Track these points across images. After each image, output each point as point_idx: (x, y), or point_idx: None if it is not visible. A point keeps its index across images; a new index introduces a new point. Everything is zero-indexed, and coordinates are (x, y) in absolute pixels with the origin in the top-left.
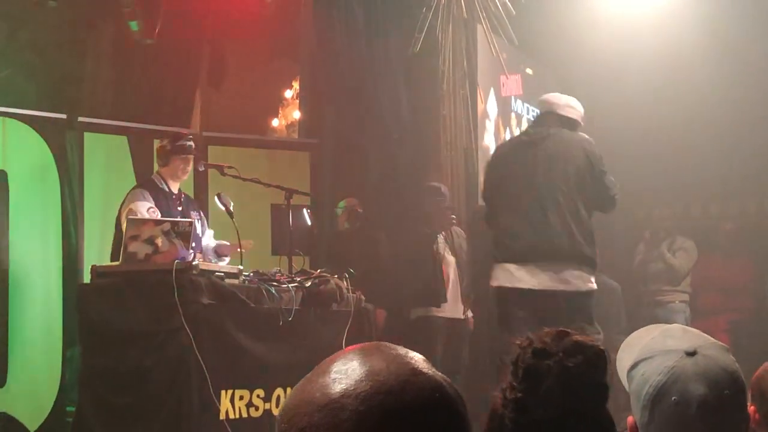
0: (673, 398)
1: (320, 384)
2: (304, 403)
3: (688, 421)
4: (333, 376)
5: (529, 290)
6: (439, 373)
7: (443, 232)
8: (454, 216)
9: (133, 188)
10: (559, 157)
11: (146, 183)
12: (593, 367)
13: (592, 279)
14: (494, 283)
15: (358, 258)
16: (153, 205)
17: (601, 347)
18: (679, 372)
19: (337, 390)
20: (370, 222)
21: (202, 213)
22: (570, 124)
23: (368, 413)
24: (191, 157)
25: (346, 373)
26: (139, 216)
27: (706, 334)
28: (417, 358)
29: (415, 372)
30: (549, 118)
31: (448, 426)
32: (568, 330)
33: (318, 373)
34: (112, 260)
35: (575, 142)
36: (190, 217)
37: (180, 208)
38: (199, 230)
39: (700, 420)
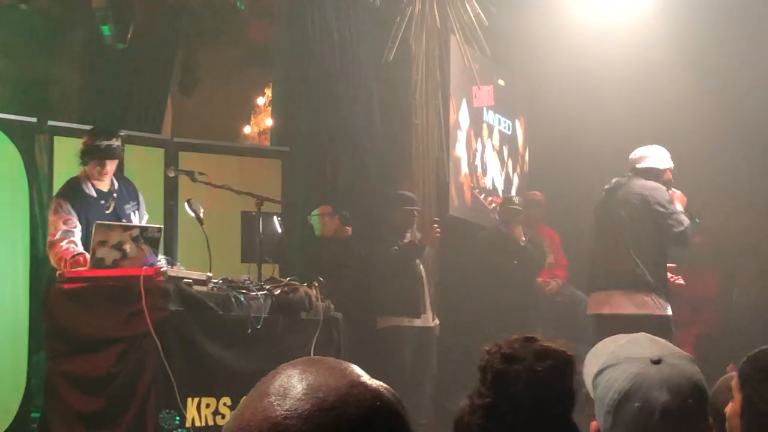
0: (636, 404)
1: (260, 408)
2: (244, 429)
3: (650, 427)
4: (272, 398)
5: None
6: (376, 380)
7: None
8: (437, 227)
9: (55, 197)
10: (621, 203)
11: (67, 188)
12: (561, 372)
13: (664, 305)
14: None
15: (334, 266)
16: (70, 216)
17: (569, 353)
18: (643, 379)
19: (279, 412)
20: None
21: (141, 198)
22: (647, 173)
23: None
24: (108, 161)
25: (284, 393)
26: (54, 231)
27: (671, 344)
28: (352, 368)
29: (353, 384)
30: (629, 169)
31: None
32: (535, 336)
33: (255, 396)
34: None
35: (637, 187)
36: (125, 212)
37: (108, 211)
38: (135, 220)
39: (662, 427)
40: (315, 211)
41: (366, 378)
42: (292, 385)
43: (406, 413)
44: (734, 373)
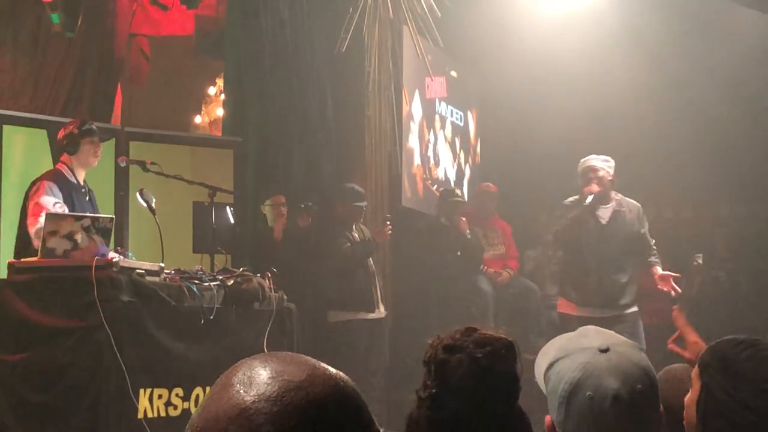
0: (587, 393)
1: (226, 397)
2: (213, 420)
3: (602, 415)
4: (237, 387)
5: None
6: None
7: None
8: (389, 224)
9: (40, 180)
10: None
11: (53, 174)
12: (503, 358)
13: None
14: None
15: (282, 257)
16: (60, 201)
17: (510, 339)
18: (592, 368)
19: (247, 398)
20: (291, 222)
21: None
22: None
23: (283, 412)
24: (99, 141)
25: (250, 381)
26: (44, 210)
27: (618, 334)
28: (308, 357)
29: (315, 367)
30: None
31: (357, 412)
32: (476, 327)
33: (218, 389)
34: (16, 253)
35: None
36: (97, 209)
37: (88, 199)
38: None
39: (614, 414)
40: (267, 201)
41: (323, 364)
42: (256, 373)
43: (363, 400)
44: (681, 364)
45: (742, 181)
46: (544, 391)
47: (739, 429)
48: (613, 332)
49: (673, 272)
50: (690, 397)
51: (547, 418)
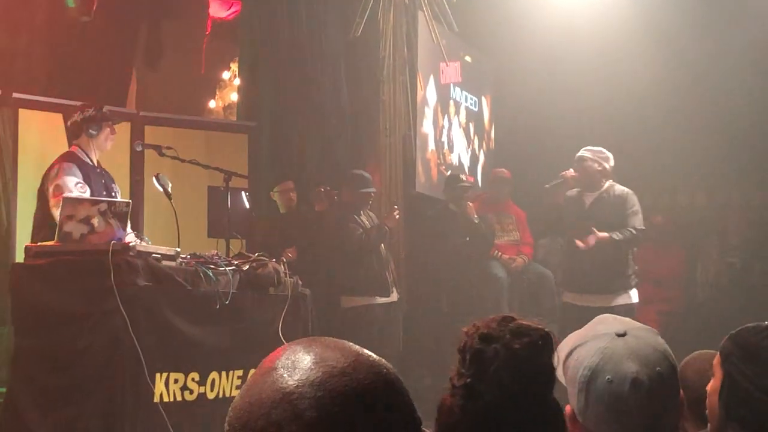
0: (607, 377)
1: (269, 381)
2: (256, 404)
3: (622, 398)
4: (281, 371)
5: None
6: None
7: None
8: (397, 208)
9: (59, 162)
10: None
11: (69, 156)
12: (539, 349)
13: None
14: None
15: (295, 243)
16: (81, 180)
17: (547, 329)
18: (611, 352)
19: (291, 382)
20: (307, 206)
21: (117, 186)
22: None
23: (327, 398)
24: (113, 126)
25: (293, 365)
26: (68, 192)
27: (635, 321)
28: (352, 344)
29: (359, 353)
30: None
31: (400, 398)
32: (513, 315)
33: (262, 372)
34: (33, 236)
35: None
36: (112, 190)
37: (103, 181)
38: None
39: (635, 397)
40: (276, 188)
41: (367, 351)
42: (299, 358)
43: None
44: (707, 351)
45: (757, 167)
46: (563, 381)
47: (763, 417)
48: (630, 319)
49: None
50: (712, 386)
51: (567, 408)
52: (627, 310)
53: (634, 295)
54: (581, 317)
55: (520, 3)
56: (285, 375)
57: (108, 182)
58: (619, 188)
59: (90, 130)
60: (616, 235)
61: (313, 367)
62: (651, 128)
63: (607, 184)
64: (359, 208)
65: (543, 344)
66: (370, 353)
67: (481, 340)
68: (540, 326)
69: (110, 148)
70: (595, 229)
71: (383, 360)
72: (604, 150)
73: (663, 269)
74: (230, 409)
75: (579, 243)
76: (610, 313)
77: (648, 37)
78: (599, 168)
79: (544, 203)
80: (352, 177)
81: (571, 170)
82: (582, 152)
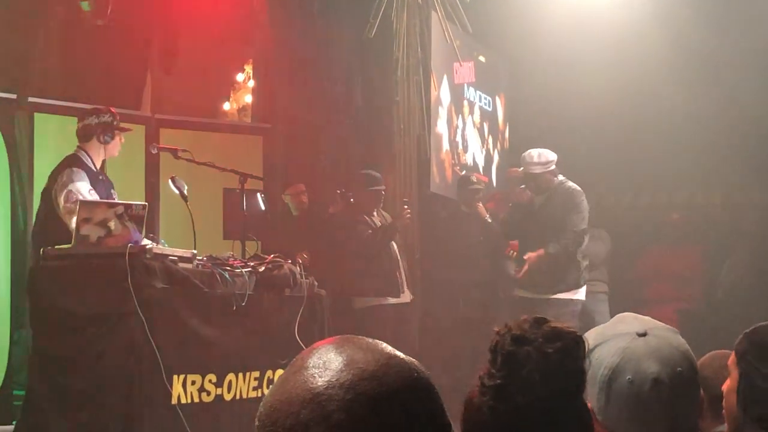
0: (627, 377)
1: (300, 380)
2: (286, 402)
3: (643, 398)
4: (312, 371)
5: None
6: (408, 356)
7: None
8: (407, 207)
9: (65, 166)
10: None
11: (75, 160)
12: (571, 353)
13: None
14: None
15: (307, 245)
16: (91, 186)
17: (579, 333)
18: (631, 352)
19: (320, 383)
20: (320, 208)
21: (115, 192)
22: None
23: (355, 401)
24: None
25: (324, 365)
26: (80, 197)
27: (655, 320)
28: (386, 344)
29: (391, 356)
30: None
31: (430, 402)
32: (546, 317)
33: (294, 370)
34: (35, 235)
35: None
36: (111, 197)
37: (105, 189)
38: None
39: (655, 397)
40: (287, 191)
41: (399, 353)
42: (330, 358)
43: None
44: (725, 350)
45: None
46: None
47: None
48: (650, 318)
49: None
50: (729, 386)
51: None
52: (568, 304)
53: (582, 292)
54: (535, 309)
55: (534, 2)
56: (316, 375)
57: (108, 188)
58: (569, 185)
59: (105, 137)
60: (552, 248)
61: (343, 368)
62: (667, 126)
63: (557, 181)
64: (371, 207)
65: (575, 348)
66: (403, 356)
67: (514, 342)
68: (572, 329)
69: (113, 157)
70: (526, 258)
71: (416, 362)
72: (549, 155)
73: (678, 267)
74: (261, 404)
75: (514, 274)
76: (563, 306)
77: (664, 34)
78: (551, 176)
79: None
80: (361, 176)
81: (528, 193)
82: (530, 168)
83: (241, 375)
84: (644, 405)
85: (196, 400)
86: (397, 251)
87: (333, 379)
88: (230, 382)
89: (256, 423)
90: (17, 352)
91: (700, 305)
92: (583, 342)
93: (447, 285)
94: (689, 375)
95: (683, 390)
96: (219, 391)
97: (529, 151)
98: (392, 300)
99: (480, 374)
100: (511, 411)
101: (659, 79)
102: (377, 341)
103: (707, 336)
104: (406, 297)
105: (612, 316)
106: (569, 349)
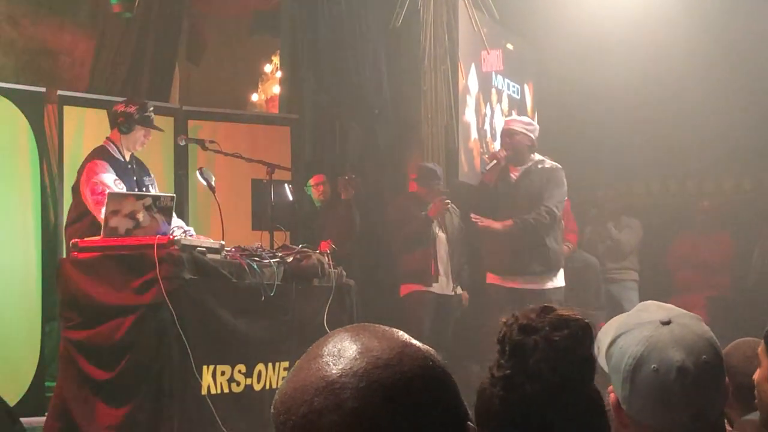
0: (652, 366)
1: (314, 368)
2: (300, 390)
3: (668, 387)
4: (326, 358)
5: None
6: (425, 345)
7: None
8: (448, 201)
9: (91, 159)
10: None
11: (101, 152)
12: (579, 341)
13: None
14: None
15: (334, 234)
16: (116, 176)
17: (586, 320)
18: (656, 341)
19: (334, 371)
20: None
21: (153, 176)
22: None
23: (369, 389)
24: (151, 130)
25: (339, 353)
26: (106, 189)
27: (678, 308)
28: (402, 332)
29: (406, 344)
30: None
31: (445, 392)
32: (553, 305)
33: (309, 358)
34: (67, 228)
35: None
36: (144, 183)
37: (135, 178)
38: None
39: (681, 386)
40: (309, 182)
41: (415, 341)
42: (345, 346)
43: (453, 378)
44: (751, 338)
45: None
46: (606, 369)
47: None
48: (672, 306)
49: None
50: (761, 375)
51: (612, 396)
52: (553, 294)
53: (560, 278)
54: (510, 298)
55: None
56: (330, 363)
57: (140, 176)
58: (548, 163)
59: (122, 127)
60: (519, 221)
61: (357, 357)
62: (695, 112)
63: (536, 157)
64: (428, 202)
65: (583, 335)
66: (419, 344)
67: (521, 332)
68: (579, 317)
69: (142, 149)
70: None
71: (432, 351)
72: (532, 121)
73: (708, 255)
74: (277, 391)
75: (477, 218)
76: (532, 295)
77: (692, 21)
78: (528, 143)
79: (478, 184)
80: (424, 171)
81: (502, 151)
82: (511, 125)
83: (270, 365)
84: (669, 394)
85: (226, 390)
86: (443, 239)
87: (347, 367)
88: (260, 372)
89: (272, 410)
90: (49, 344)
91: (730, 293)
92: (591, 329)
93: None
94: (714, 363)
95: (709, 378)
96: (248, 381)
97: (512, 118)
98: (430, 288)
99: (490, 365)
100: (520, 400)
101: (688, 66)
102: (393, 329)
103: (736, 324)
104: (446, 288)
105: None
106: (577, 337)
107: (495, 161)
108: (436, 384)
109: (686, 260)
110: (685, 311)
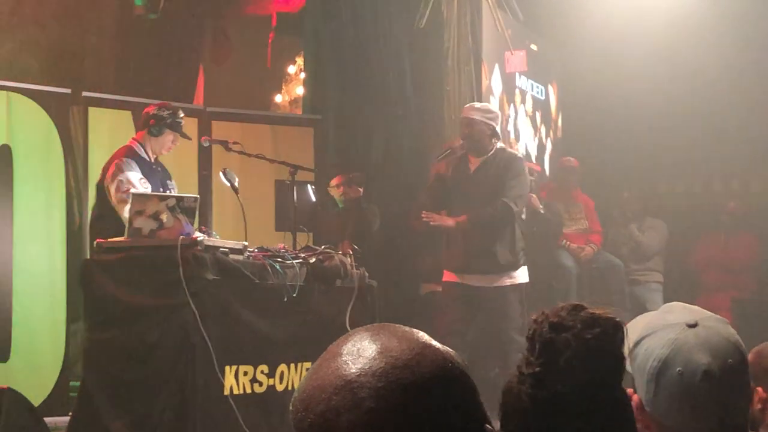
0: (677, 369)
1: (333, 367)
2: (319, 388)
3: (693, 390)
4: (345, 357)
5: None
6: (445, 346)
7: None
8: None
9: (119, 156)
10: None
11: (127, 151)
12: (611, 339)
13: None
14: None
15: (355, 235)
16: (142, 175)
17: (618, 319)
18: (681, 343)
19: (353, 370)
20: (367, 198)
21: (174, 182)
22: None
23: (387, 389)
24: (179, 136)
25: (358, 353)
26: (132, 187)
27: (704, 310)
28: (422, 333)
29: (426, 345)
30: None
31: (463, 394)
32: (583, 303)
33: (328, 357)
34: (92, 227)
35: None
36: (167, 187)
37: (159, 178)
38: None
39: (706, 389)
40: (331, 183)
41: (435, 342)
42: (364, 346)
43: (472, 380)
44: None
45: None
46: (630, 369)
47: None
48: (698, 307)
49: None
50: None
51: (635, 397)
52: (513, 291)
53: (522, 275)
54: (465, 295)
55: None
56: (349, 362)
57: (164, 179)
58: (508, 152)
59: (152, 129)
60: (473, 216)
61: (376, 356)
62: (721, 113)
63: (497, 146)
64: None
65: (614, 334)
66: (438, 345)
67: (552, 329)
68: (611, 315)
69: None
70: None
71: (452, 352)
72: (492, 108)
73: (734, 256)
74: (296, 389)
75: (428, 216)
76: (493, 293)
77: (718, 21)
78: (489, 132)
79: (429, 175)
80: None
81: (458, 140)
82: (470, 113)
83: (293, 366)
84: (694, 397)
85: (249, 391)
86: None
87: (366, 367)
88: (282, 372)
89: (290, 408)
90: (74, 344)
91: (756, 294)
92: (622, 328)
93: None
94: (740, 366)
95: (734, 382)
96: (271, 381)
97: (471, 106)
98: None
99: (518, 363)
100: (550, 398)
101: (713, 65)
102: (413, 330)
103: (763, 325)
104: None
105: None
106: (608, 335)
107: (448, 150)
108: (455, 385)
109: (711, 261)
110: (711, 314)
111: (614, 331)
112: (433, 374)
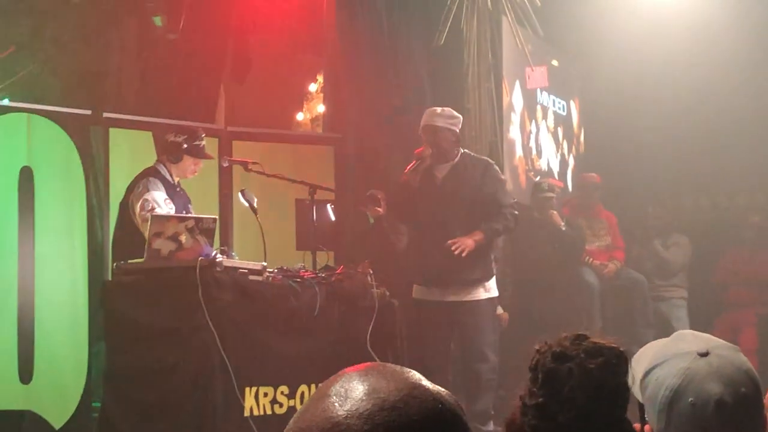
0: (689, 399)
1: (321, 408)
2: (306, 430)
3: (706, 421)
4: (333, 398)
5: None
6: (437, 386)
7: None
8: None
9: (143, 177)
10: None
11: (153, 171)
12: (614, 369)
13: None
14: None
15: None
16: (167, 196)
17: (621, 348)
18: (693, 373)
19: (340, 412)
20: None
21: (192, 206)
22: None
23: (374, 431)
24: (201, 159)
25: (346, 394)
26: (156, 206)
27: (715, 337)
28: (413, 373)
29: (415, 386)
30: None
31: None
32: (586, 333)
33: (316, 398)
34: (114, 246)
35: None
36: (189, 211)
37: (182, 201)
38: None
39: (719, 419)
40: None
41: (426, 382)
42: (353, 386)
43: (466, 420)
44: None
45: None
46: (640, 399)
47: None
48: (710, 335)
49: None
50: None
51: (646, 428)
52: (488, 305)
53: (493, 287)
54: (440, 312)
55: (606, 5)
56: (336, 404)
57: (185, 203)
58: (477, 158)
59: (171, 156)
60: (488, 231)
61: (364, 398)
62: (744, 126)
63: (462, 152)
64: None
65: (618, 364)
66: (430, 385)
67: (555, 359)
68: (614, 345)
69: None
70: (464, 240)
71: (444, 393)
72: (453, 112)
73: (759, 271)
74: (287, 428)
75: (455, 244)
76: (468, 307)
77: (741, 35)
78: (453, 138)
79: (396, 184)
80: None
81: (427, 149)
82: (432, 120)
83: (313, 386)
84: (707, 428)
85: (269, 412)
86: None
87: (353, 409)
88: (303, 393)
89: None
90: (96, 364)
91: None
92: (626, 357)
93: (523, 293)
94: (753, 395)
95: (748, 412)
96: (292, 402)
97: (432, 110)
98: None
99: (520, 394)
100: (554, 429)
101: (735, 79)
102: (404, 369)
103: None
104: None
105: (690, 321)
106: (611, 365)
107: (417, 161)
108: (444, 427)
109: (736, 276)
110: (722, 341)
111: (618, 360)
112: (422, 416)
